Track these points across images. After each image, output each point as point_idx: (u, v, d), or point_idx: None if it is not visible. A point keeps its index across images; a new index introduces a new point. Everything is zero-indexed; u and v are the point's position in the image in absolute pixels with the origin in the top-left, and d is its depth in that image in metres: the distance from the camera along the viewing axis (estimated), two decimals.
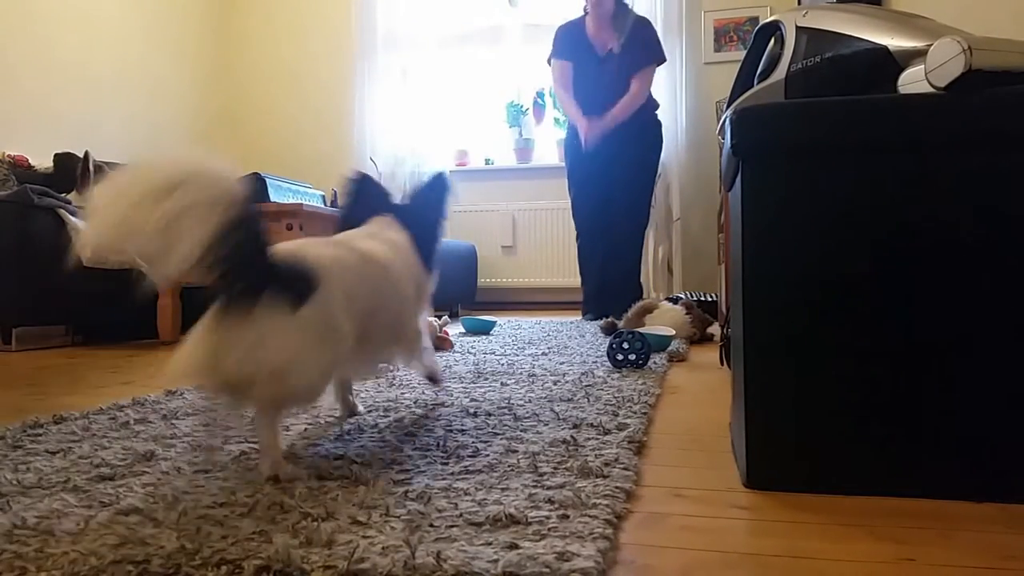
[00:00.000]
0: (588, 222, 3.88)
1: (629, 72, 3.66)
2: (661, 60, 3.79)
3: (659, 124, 3.91)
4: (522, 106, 5.13)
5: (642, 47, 3.68)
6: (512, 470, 1.00)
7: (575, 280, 4.12)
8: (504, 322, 3.66)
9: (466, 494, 0.89)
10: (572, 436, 1.17)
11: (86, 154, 3.41)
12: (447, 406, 1.47)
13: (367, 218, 1.36)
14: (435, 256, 1.43)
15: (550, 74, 3.93)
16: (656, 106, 3.89)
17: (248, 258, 0.95)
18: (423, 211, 1.43)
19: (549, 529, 0.77)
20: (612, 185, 3.74)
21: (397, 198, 1.45)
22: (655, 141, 3.90)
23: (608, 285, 3.80)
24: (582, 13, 3.82)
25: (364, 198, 1.40)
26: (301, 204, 3.04)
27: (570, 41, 3.78)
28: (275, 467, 0.99)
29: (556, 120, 5.00)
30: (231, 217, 0.90)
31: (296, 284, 0.99)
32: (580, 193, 3.86)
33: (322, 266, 1.04)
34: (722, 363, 2.03)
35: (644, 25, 3.75)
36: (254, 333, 0.94)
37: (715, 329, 2.87)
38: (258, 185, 3.16)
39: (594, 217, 3.82)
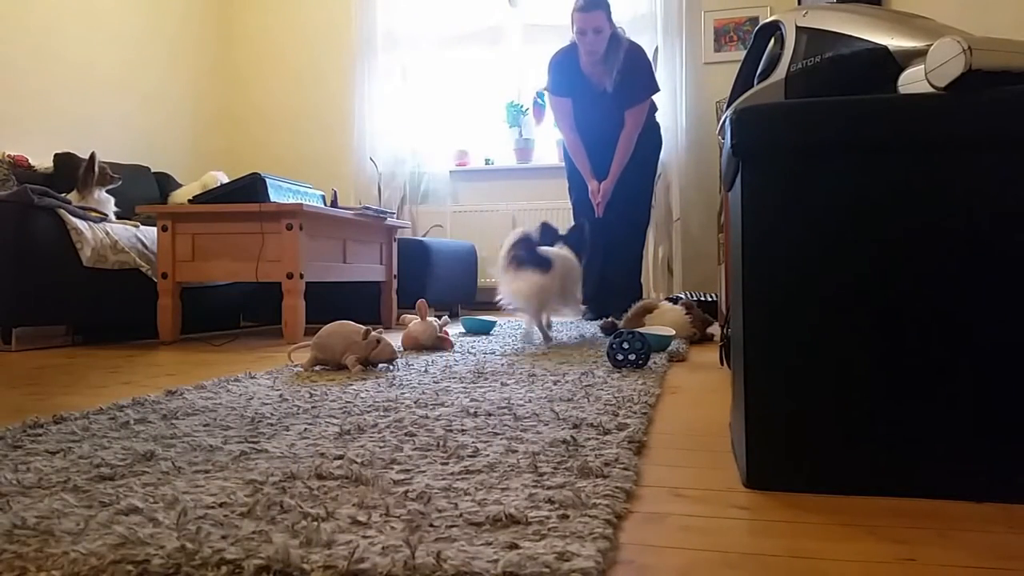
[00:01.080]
0: (588, 223, 3.88)
1: (624, 107, 3.67)
2: (653, 92, 3.77)
3: (658, 126, 3.91)
4: (522, 106, 5.13)
5: (633, 83, 3.65)
6: (512, 470, 1.00)
7: None
8: (504, 322, 3.66)
9: (466, 494, 0.89)
10: (572, 436, 1.17)
11: (92, 155, 3.41)
12: (447, 406, 1.47)
13: (553, 242, 2.84)
14: (583, 261, 2.94)
15: (549, 105, 4.02)
16: (655, 109, 3.88)
17: (526, 253, 2.64)
18: (575, 238, 2.95)
19: (549, 529, 0.77)
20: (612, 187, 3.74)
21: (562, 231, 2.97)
22: (655, 143, 3.90)
23: (608, 285, 3.80)
24: (573, 41, 3.74)
25: (547, 233, 2.86)
26: (301, 204, 3.04)
27: (566, 77, 3.75)
28: (529, 332, 2.80)
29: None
30: (522, 239, 2.69)
31: (544, 263, 2.62)
32: (581, 195, 3.87)
33: (554, 257, 2.68)
34: (722, 363, 2.03)
35: (637, 55, 3.69)
36: (527, 282, 2.59)
37: (715, 329, 2.87)
38: (258, 185, 3.16)
39: (594, 218, 3.82)
